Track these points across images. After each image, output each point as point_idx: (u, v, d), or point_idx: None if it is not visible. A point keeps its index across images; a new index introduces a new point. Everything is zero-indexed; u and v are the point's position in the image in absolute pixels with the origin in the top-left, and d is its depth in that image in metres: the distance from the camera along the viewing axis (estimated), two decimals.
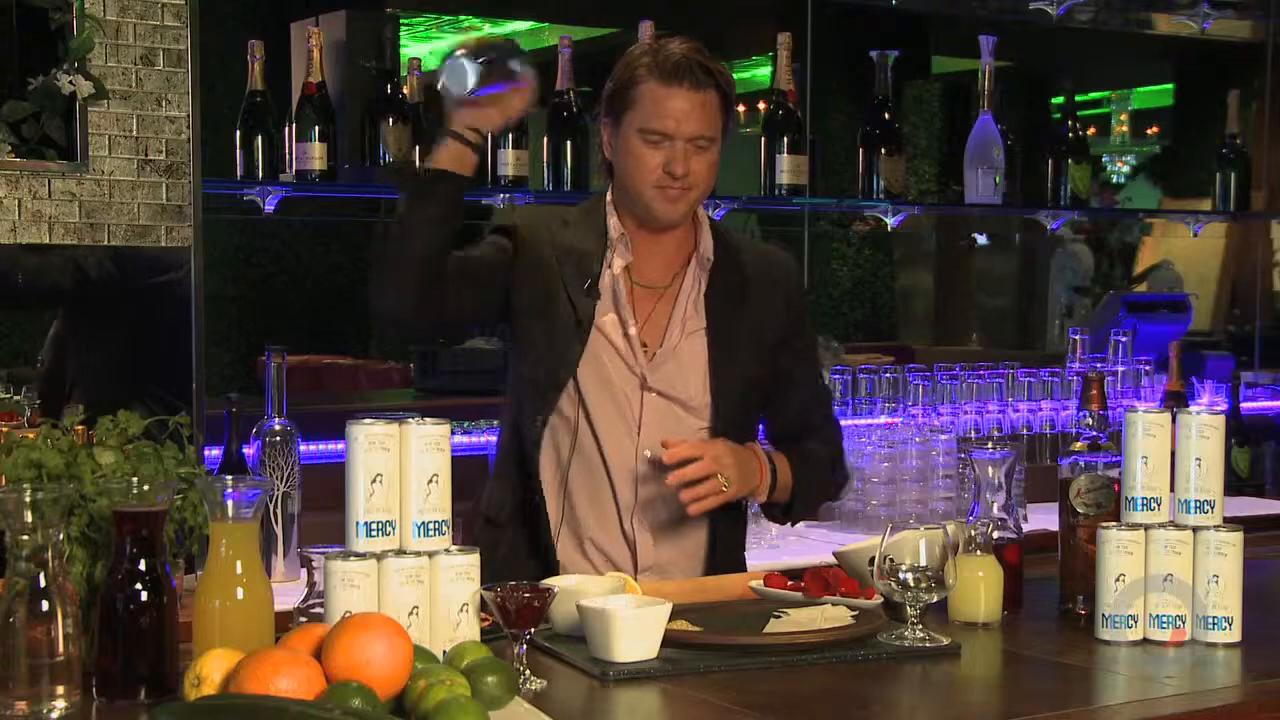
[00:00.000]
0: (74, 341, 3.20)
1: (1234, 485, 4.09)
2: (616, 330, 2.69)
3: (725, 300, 2.73)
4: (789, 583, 2.41)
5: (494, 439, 2.94)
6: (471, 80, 2.50)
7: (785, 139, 4.00)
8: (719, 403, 2.69)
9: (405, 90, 3.68)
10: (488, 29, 5.61)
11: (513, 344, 2.76)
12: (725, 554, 2.74)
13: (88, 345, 3.21)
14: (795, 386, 2.80)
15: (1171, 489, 2.30)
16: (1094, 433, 2.46)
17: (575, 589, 2.17)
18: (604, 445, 2.68)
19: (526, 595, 1.99)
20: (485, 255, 2.70)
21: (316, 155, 3.51)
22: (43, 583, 1.79)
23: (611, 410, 2.67)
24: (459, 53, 2.53)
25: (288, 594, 2.16)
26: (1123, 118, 7.84)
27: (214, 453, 3.08)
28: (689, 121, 2.60)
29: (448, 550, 2.01)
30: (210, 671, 1.76)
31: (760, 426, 2.86)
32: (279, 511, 3.06)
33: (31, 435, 2.02)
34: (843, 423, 3.99)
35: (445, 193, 2.55)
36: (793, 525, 2.92)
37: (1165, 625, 2.26)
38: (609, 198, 2.73)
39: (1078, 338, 4.32)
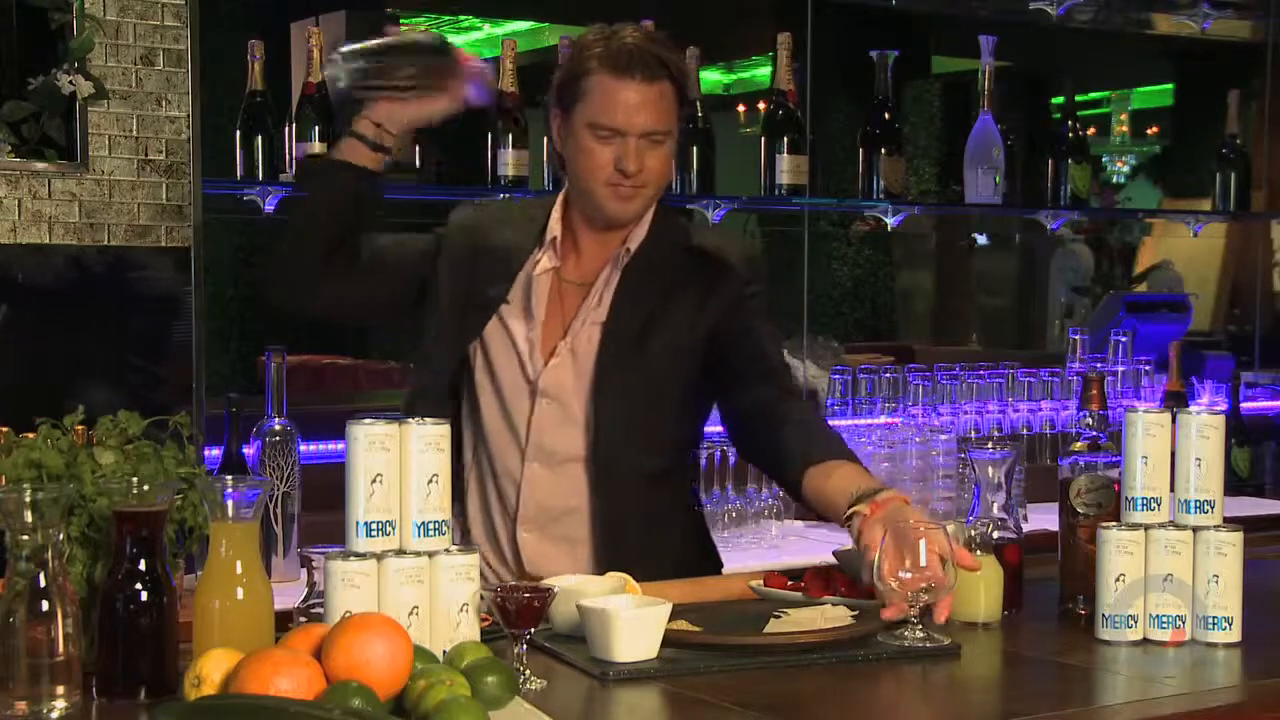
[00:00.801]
0: (71, 341, 3.20)
1: (1234, 485, 4.09)
2: (522, 333, 2.62)
3: (636, 294, 2.61)
4: (789, 583, 2.41)
5: None
6: (348, 78, 2.46)
7: (785, 139, 4.00)
8: (601, 396, 2.57)
9: None
10: (488, 29, 5.61)
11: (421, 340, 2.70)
12: (618, 561, 2.48)
13: (87, 345, 3.20)
14: (749, 387, 2.61)
15: (1171, 489, 2.30)
16: (1094, 433, 2.46)
17: (575, 589, 2.17)
18: (493, 454, 2.63)
19: (526, 595, 1.99)
20: (404, 248, 2.66)
21: None
22: (43, 583, 1.79)
23: (500, 419, 2.63)
24: (344, 49, 2.49)
25: (288, 594, 2.16)
26: (1123, 118, 7.84)
27: (214, 453, 3.08)
28: (641, 116, 2.49)
29: (448, 550, 2.01)
30: (210, 671, 1.76)
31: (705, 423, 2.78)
32: (279, 511, 3.06)
33: (31, 435, 2.02)
34: (843, 423, 4.01)
35: (340, 183, 2.52)
36: None
37: (1165, 625, 2.26)
38: (562, 194, 2.66)
39: (1078, 338, 4.32)
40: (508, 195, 3.67)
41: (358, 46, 2.49)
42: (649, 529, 2.64)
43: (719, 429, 3.80)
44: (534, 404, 2.61)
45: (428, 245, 2.68)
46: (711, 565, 2.77)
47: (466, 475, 2.68)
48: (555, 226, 2.64)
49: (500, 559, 2.66)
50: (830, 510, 2.39)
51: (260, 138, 3.49)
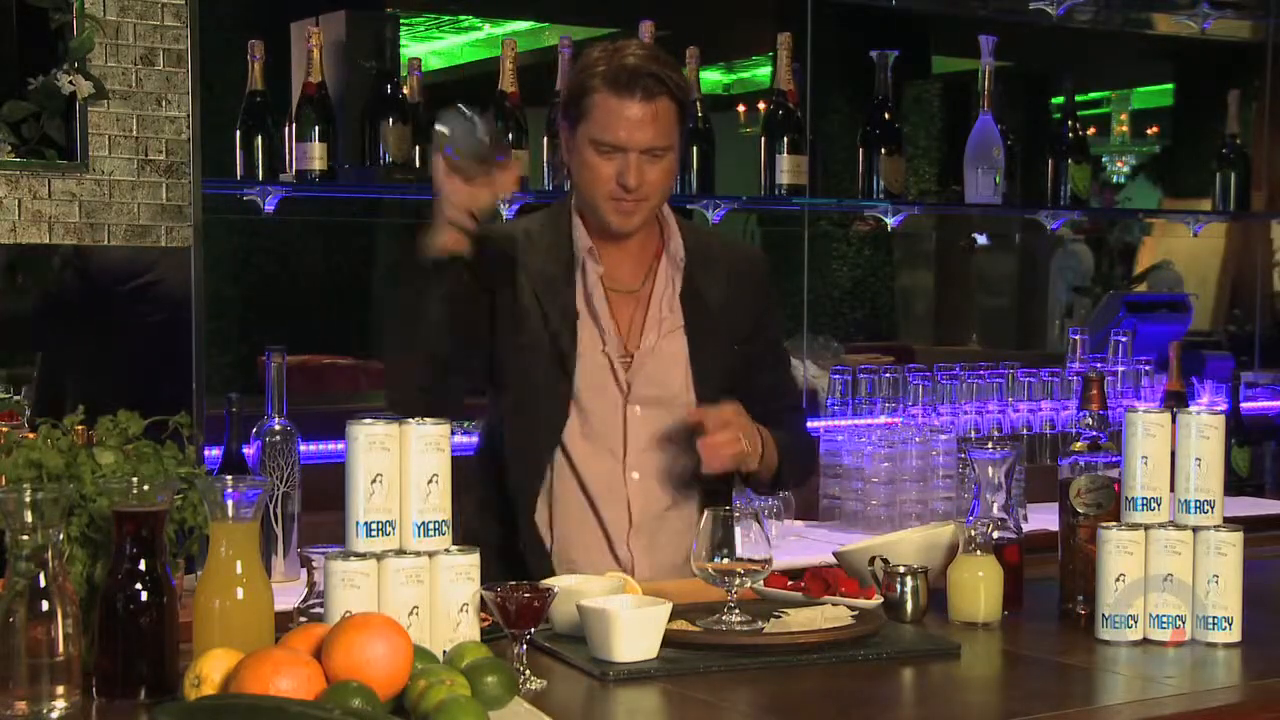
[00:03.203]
0: (72, 342, 3.20)
1: (1234, 485, 4.09)
2: (595, 346, 2.68)
3: (699, 296, 2.74)
4: (789, 583, 2.41)
5: None
6: (470, 134, 2.45)
7: (785, 139, 4.00)
8: (702, 397, 2.69)
9: (405, 90, 3.68)
10: (488, 29, 5.61)
11: (490, 375, 2.71)
12: None
13: (87, 345, 3.20)
14: (759, 374, 2.80)
15: (1171, 489, 2.30)
16: (1094, 433, 2.46)
17: (575, 589, 2.18)
18: (582, 471, 2.66)
19: (526, 595, 1.99)
20: (471, 320, 2.63)
21: (316, 155, 3.51)
22: (43, 583, 1.79)
23: (591, 434, 2.66)
24: (456, 108, 2.48)
25: (288, 594, 2.16)
26: (1123, 118, 7.83)
27: (214, 453, 3.08)
28: (641, 133, 2.58)
29: (448, 550, 2.01)
30: (210, 671, 1.76)
31: None
32: (279, 511, 3.06)
33: (31, 435, 2.02)
34: (842, 423, 4.01)
35: (449, 282, 2.54)
36: (776, 496, 2.90)
37: (1165, 625, 2.26)
38: (572, 203, 2.73)
39: (1078, 338, 4.32)
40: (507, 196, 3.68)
41: (469, 133, 2.47)
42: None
43: None
44: (626, 413, 2.67)
45: (476, 304, 2.65)
46: None
47: (539, 494, 2.68)
48: (583, 236, 2.70)
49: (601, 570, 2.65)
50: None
51: (260, 138, 3.49)
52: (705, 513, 2.24)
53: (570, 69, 2.70)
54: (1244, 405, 4.46)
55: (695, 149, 3.89)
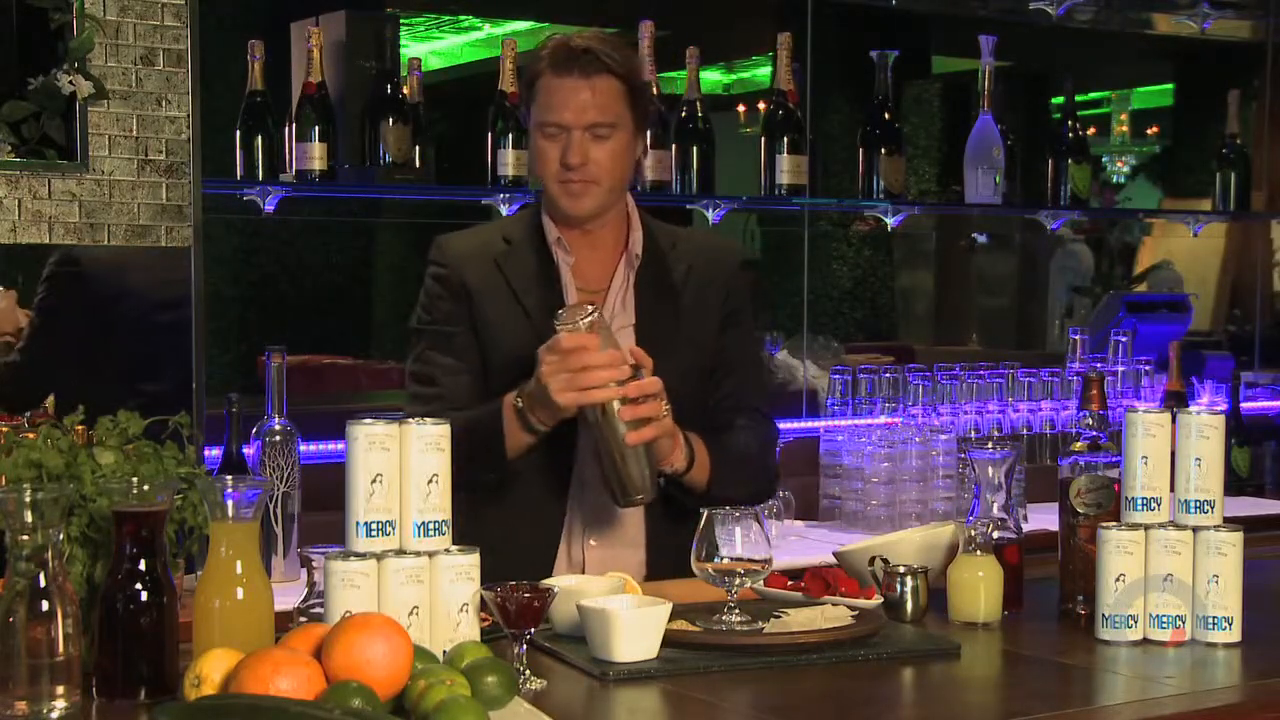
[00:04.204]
0: (71, 340, 3.19)
1: (1234, 485, 4.09)
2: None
3: (655, 295, 2.69)
4: (789, 583, 2.41)
5: None
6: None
7: (785, 139, 4.00)
8: None
9: (405, 90, 3.68)
10: (488, 29, 5.61)
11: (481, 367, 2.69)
12: (664, 560, 2.65)
13: (87, 345, 3.20)
14: (725, 376, 2.72)
15: (1171, 489, 2.30)
16: (1094, 433, 2.46)
17: (575, 589, 2.18)
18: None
19: (526, 595, 1.99)
20: (458, 346, 2.66)
21: (316, 155, 3.51)
22: (43, 583, 1.79)
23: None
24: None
25: (288, 594, 2.16)
26: (1123, 118, 7.83)
27: (214, 453, 3.08)
28: (581, 110, 2.57)
29: (448, 550, 2.01)
30: (210, 671, 1.76)
31: None
32: (279, 511, 3.06)
33: (31, 435, 2.02)
34: (842, 423, 4.01)
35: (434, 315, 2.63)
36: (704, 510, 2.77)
37: (1165, 625, 2.26)
38: (544, 200, 2.71)
39: (1078, 338, 4.32)
40: (507, 195, 3.68)
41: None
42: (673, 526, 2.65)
43: None
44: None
45: (468, 334, 2.67)
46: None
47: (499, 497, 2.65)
48: (552, 228, 2.68)
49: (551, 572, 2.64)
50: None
51: (260, 138, 3.49)
52: (703, 513, 2.23)
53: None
54: (1244, 405, 4.46)
55: (695, 149, 3.90)
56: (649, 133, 3.78)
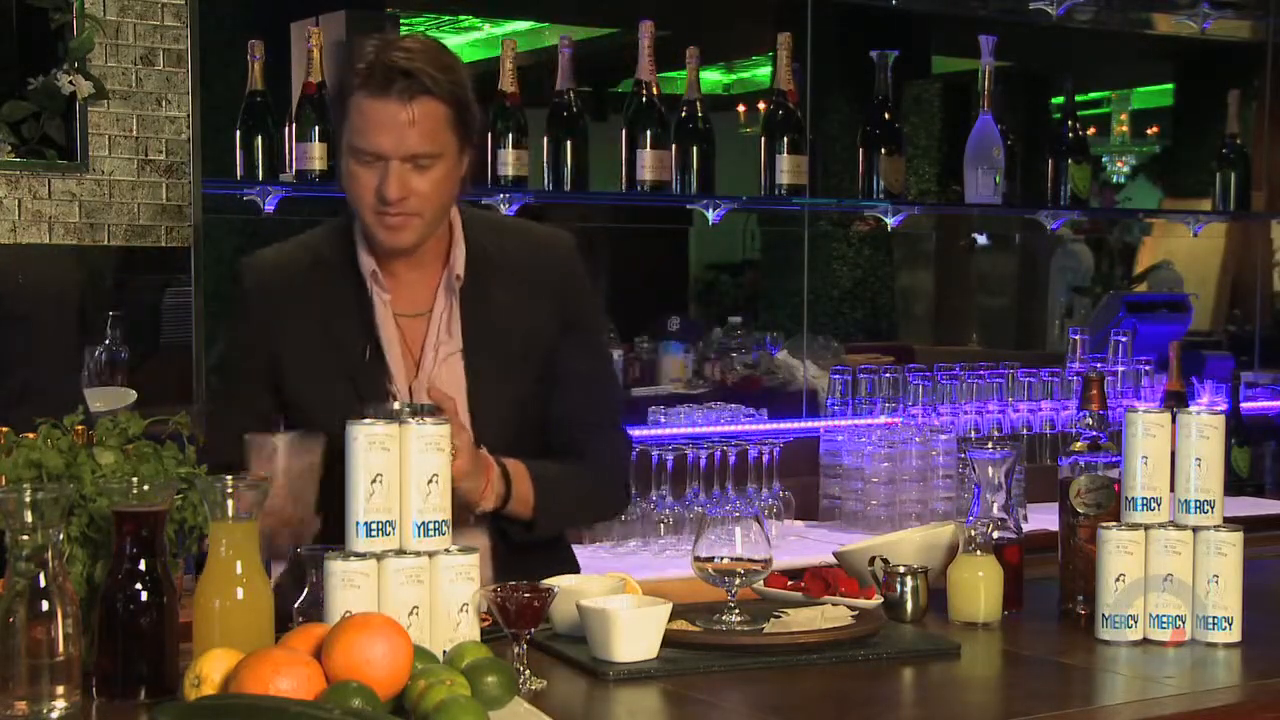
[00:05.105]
0: (71, 341, 3.20)
1: (1234, 485, 4.09)
2: (383, 382, 2.42)
3: (482, 316, 2.45)
4: (789, 583, 2.41)
5: None
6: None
7: (785, 139, 4.00)
8: (480, 428, 2.37)
9: None
10: (488, 29, 5.61)
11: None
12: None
13: (87, 345, 3.21)
14: (567, 391, 2.50)
15: (1171, 489, 2.30)
16: (1094, 433, 2.46)
17: (575, 589, 2.17)
18: None
19: (526, 595, 1.99)
20: (251, 371, 2.45)
21: (316, 155, 3.51)
22: (43, 583, 1.79)
23: None
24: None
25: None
26: (1123, 118, 7.84)
27: None
28: (401, 139, 2.29)
29: (448, 550, 2.01)
30: (210, 671, 1.76)
31: None
32: None
33: (31, 435, 2.02)
34: (842, 423, 4.01)
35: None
36: (540, 540, 2.49)
37: (1165, 625, 2.26)
38: (358, 227, 2.43)
39: (1078, 338, 4.33)
40: (507, 195, 3.68)
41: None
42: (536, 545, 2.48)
43: (719, 429, 3.81)
44: None
45: (266, 359, 2.45)
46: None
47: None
48: (367, 259, 2.43)
49: None
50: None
51: (260, 138, 3.49)
52: (702, 512, 2.22)
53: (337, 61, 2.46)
54: (1244, 405, 4.46)
55: (695, 149, 3.89)
56: (649, 132, 3.81)
